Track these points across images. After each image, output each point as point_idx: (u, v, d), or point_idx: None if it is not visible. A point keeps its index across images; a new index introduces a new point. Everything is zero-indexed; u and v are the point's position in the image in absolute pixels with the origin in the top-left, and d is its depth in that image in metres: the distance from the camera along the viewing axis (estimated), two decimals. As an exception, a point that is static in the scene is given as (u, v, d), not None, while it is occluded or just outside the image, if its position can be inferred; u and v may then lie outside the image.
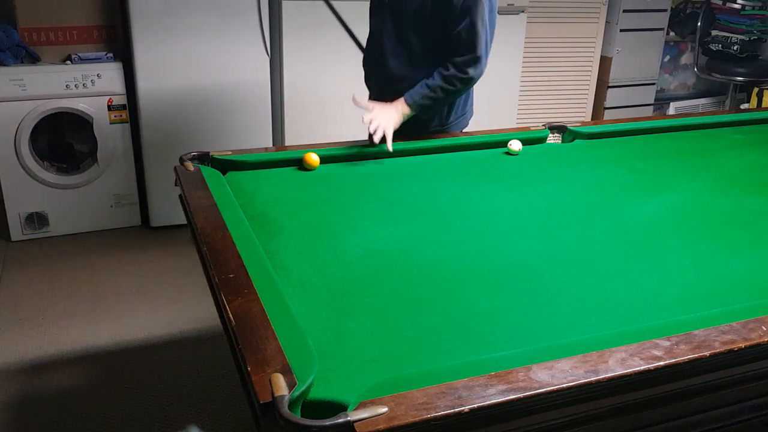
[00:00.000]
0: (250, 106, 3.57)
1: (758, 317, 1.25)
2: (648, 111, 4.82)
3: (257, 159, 2.05)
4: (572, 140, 2.39)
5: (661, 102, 5.08)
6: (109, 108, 3.45)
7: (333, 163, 2.11)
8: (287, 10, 3.42)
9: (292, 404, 0.98)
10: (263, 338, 1.13)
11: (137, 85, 3.36)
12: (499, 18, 3.91)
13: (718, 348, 1.15)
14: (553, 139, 2.40)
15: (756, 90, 4.96)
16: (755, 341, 1.17)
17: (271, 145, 3.69)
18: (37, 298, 2.96)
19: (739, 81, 4.77)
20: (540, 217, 1.77)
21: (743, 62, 4.78)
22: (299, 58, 3.53)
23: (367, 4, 2.63)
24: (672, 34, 4.91)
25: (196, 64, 3.41)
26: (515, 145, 2.23)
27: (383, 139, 2.09)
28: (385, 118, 2.12)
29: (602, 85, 4.60)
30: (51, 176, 3.46)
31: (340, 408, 1.00)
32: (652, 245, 1.62)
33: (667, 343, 1.15)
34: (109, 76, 3.39)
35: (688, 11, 4.90)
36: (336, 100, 3.67)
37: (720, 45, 4.84)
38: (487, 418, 1.02)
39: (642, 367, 1.09)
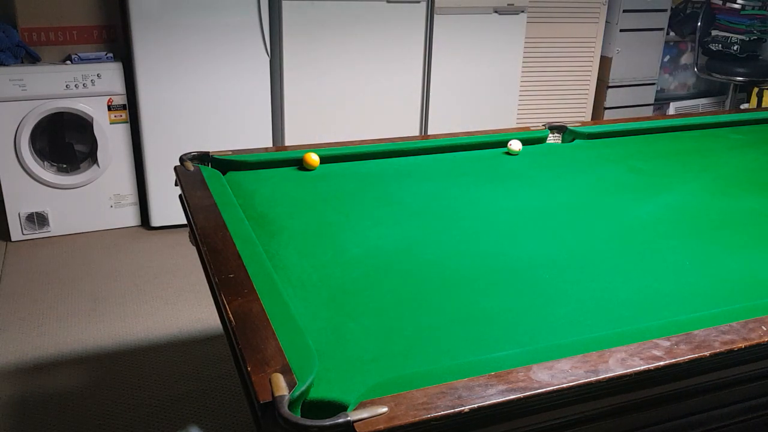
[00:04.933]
0: (250, 106, 3.58)
1: (758, 317, 1.25)
2: (648, 111, 4.82)
3: (257, 159, 2.05)
4: (572, 140, 2.39)
5: (661, 102, 5.08)
6: (109, 108, 3.45)
7: (333, 163, 2.11)
8: (287, 10, 3.42)
9: (292, 404, 0.98)
10: (263, 338, 1.13)
11: (137, 85, 3.36)
12: (499, 18, 3.95)
13: (718, 348, 1.15)
14: (553, 139, 2.40)
15: (756, 90, 4.96)
16: (755, 341, 1.17)
17: (271, 145, 3.69)
18: (37, 298, 2.96)
19: (739, 81, 4.77)
20: (540, 217, 1.77)
21: (743, 62, 4.78)
22: (299, 58, 3.53)
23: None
24: (672, 34, 4.91)
25: (196, 64, 3.41)
26: (515, 145, 2.23)
27: None
28: None
29: (602, 85, 4.60)
30: (51, 176, 3.46)
31: (340, 408, 1.00)
32: (652, 245, 1.62)
33: (667, 343, 1.15)
34: (109, 76, 3.40)
35: (688, 11, 4.90)
36: (336, 100, 3.68)
37: (720, 45, 4.84)
38: (487, 418, 1.02)
39: (642, 367, 1.09)
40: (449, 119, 3.92)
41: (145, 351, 2.62)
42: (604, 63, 4.56)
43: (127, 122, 3.51)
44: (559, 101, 4.49)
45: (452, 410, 0.98)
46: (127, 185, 3.62)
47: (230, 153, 2.05)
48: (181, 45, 3.35)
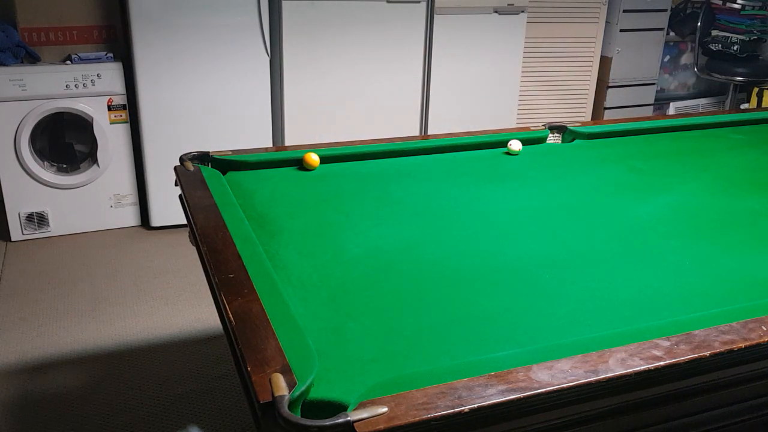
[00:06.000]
0: (250, 106, 3.58)
1: (758, 317, 1.25)
2: (648, 111, 4.82)
3: (257, 159, 2.05)
4: (572, 140, 2.39)
5: (661, 102, 5.08)
6: (109, 108, 3.45)
7: (333, 163, 2.11)
8: (287, 10, 3.42)
9: (292, 404, 0.98)
10: (263, 338, 1.12)
11: (137, 85, 3.36)
12: (499, 18, 3.95)
13: (718, 348, 1.15)
14: (553, 139, 2.40)
15: (756, 90, 4.96)
16: (755, 341, 1.17)
17: (271, 145, 3.69)
18: (37, 298, 2.96)
19: (739, 81, 4.77)
20: (540, 217, 1.77)
21: (743, 62, 4.78)
22: (299, 58, 3.53)
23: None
24: (672, 34, 4.91)
25: (196, 64, 3.41)
26: (515, 145, 2.23)
27: None
28: None
29: (602, 85, 4.60)
30: (51, 176, 3.46)
31: (340, 408, 1.00)
32: (652, 245, 1.62)
33: (667, 343, 1.15)
34: (109, 76, 3.40)
35: (688, 11, 4.90)
36: (336, 100, 3.68)
37: (720, 45, 4.84)
38: (487, 418, 1.02)
39: (642, 367, 1.09)
40: (449, 119, 3.92)
41: (145, 351, 2.62)
42: (604, 63, 4.56)
43: (127, 122, 3.51)
44: (559, 101, 4.49)
45: (452, 410, 0.98)
46: (127, 185, 3.62)
47: (230, 153, 2.05)
48: (181, 45, 3.35)
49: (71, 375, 2.47)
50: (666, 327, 1.22)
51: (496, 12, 3.83)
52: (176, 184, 1.88)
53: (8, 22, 3.43)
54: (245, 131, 3.60)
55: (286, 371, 1.04)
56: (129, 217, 3.67)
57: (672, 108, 5.05)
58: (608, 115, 4.65)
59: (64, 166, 3.54)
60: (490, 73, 3.96)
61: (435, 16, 3.69)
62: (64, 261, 3.29)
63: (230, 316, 1.19)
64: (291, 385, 1.00)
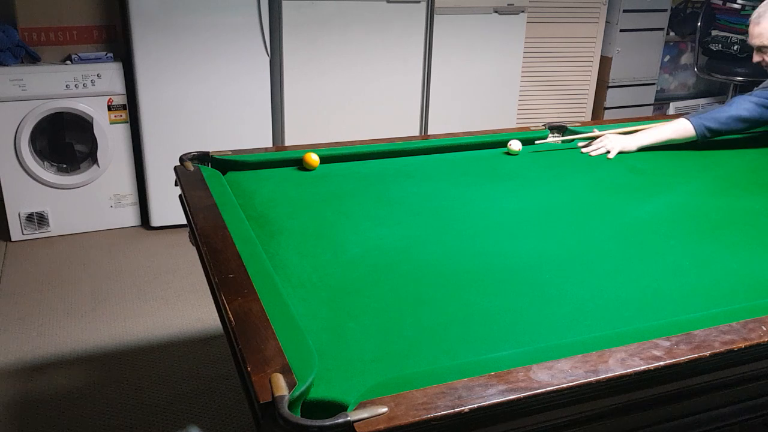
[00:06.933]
0: (250, 106, 3.58)
1: (758, 317, 1.24)
2: (648, 111, 4.82)
3: (257, 159, 2.05)
4: (572, 140, 2.39)
5: (661, 102, 5.08)
6: (109, 108, 3.45)
7: (333, 163, 2.11)
8: (287, 10, 3.42)
9: (292, 404, 0.97)
10: (263, 338, 1.12)
11: (137, 85, 3.36)
12: (499, 18, 3.94)
13: (718, 348, 1.15)
14: (553, 139, 2.40)
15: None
16: (755, 341, 1.17)
17: (271, 145, 3.69)
18: (37, 298, 2.96)
19: (739, 81, 4.77)
20: (540, 217, 1.77)
21: (743, 62, 4.78)
22: (299, 58, 3.53)
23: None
24: (672, 34, 4.91)
25: (196, 64, 3.41)
26: (515, 145, 2.23)
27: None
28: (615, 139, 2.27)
29: (602, 85, 4.60)
30: (51, 176, 3.46)
31: (340, 408, 1.00)
32: (652, 245, 1.62)
33: (667, 343, 1.15)
34: (109, 76, 3.40)
35: (688, 11, 4.90)
36: (336, 100, 3.68)
37: (720, 45, 4.84)
38: (487, 418, 1.02)
39: (642, 367, 1.09)
40: (449, 119, 3.92)
41: (145, 351, 2.62)
42: (604, 63, 4.56)
43: (127, 122, 3.51)
44: (559, 101, 4.49)
45: (452, 410, 0.97)
46: (127, 185, 3.62)
47: (230, 153, 2.05)
48: (181, 45, 3.35)
49: (71, 375, 2.47)
50: (666, 327, 1.22)
51: (496, 12, 3.83)
52: (176, 184, 1.88)
53: (8, 22, 3.43)
54: (245, 131, 3.60)
55: (286, 371, 1.04)
56: (129, 217, 3.67)
57: (672, 108, 5.05)
58: (608, 115, 4.66)
59: (64, 166, 3.54)
60: (490, 73, 3.96)
61: (435, 16, 3.70)
62: (64, 261, 3.29)
63: (230, 316, 1.19)
64: (291, 385, 1.00)
